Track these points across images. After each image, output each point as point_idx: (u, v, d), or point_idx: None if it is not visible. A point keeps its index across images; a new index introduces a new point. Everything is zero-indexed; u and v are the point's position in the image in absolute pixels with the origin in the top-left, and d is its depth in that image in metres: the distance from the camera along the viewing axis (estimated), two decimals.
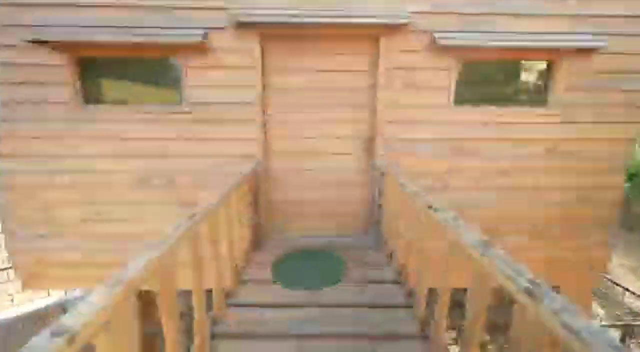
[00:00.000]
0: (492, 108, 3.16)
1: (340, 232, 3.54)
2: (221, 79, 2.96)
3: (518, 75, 3.31)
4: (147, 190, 3.14)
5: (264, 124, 3.19)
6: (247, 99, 3.01)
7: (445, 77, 3.05)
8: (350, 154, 3.40)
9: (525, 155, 3.24)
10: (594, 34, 2.95)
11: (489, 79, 3.26)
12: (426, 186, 3.24)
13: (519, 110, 3.17)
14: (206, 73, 2.94)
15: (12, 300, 4.53)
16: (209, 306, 1.88)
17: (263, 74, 3.09)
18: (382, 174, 3.11)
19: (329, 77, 3.18)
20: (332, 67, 3.15)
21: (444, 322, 1.68)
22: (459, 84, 3.09)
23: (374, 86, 3.16)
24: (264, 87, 3.14)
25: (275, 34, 3.02)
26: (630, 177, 8.11)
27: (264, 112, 3.19)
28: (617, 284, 6.29)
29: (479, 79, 3.24)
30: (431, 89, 3.07)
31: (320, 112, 3.33)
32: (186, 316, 1.69)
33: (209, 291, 1.88)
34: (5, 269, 4.49)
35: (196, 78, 2.95)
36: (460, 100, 3.14)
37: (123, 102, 3.07)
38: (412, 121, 3.13)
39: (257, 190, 3.14)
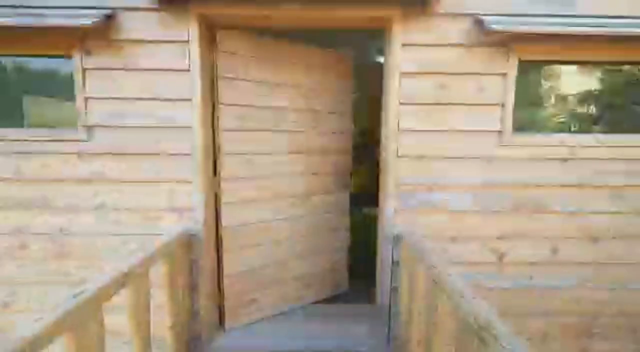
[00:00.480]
0: (579, 137, 1.97)
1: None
2: (137, 89, 1.87)
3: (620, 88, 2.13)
4: (19, 261, 1.98)
5: (210, 159, 2.06)
6: (180, 120, 1.89)
7: (498, 86, 1.90)
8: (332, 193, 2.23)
9: (634, 210, 1.99)
10: None
11: (571, 89, 2.09)
12: (467, 259, 2.00)
13: (622, 140, 1.97)
14: (115, 79, 1.86)
15: None
16: None
17: (213, 79, 2.01)
18: (397, 238, 1.90)
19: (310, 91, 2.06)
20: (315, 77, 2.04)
21: None
22: (520, 97, 1.93)
23: (378, 101, 2.04)
24: (213, 102, 2.06)
25: (228, 20, 1.97)
26: None
27: (214, 141, 2.08)
28: None
29: (555, 91, 2.07)
30: (474, 106, 1.91)
31: (297, 141, 2.20)
32: None
33: None
34: None
35: (99, 87, 1.87)
36: (521, 123, 1.97)
37: None
38: (441, 156, 1.94)
39: (193, 263, 1.95)
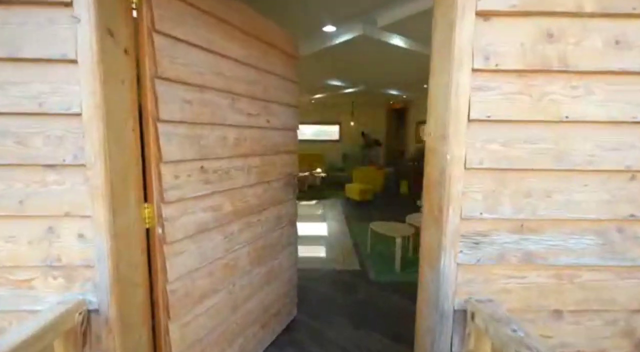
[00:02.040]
0: None
1: None
2: None
3: None
4: None
5: (134, 172, 1.18)
6: (59, 102, 1.01)
7: None
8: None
9: None
10: None
11: None
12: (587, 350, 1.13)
13: None
14: None
15: None
16: None
17: (133, 33, 1.15)
18: (462, 315, 1.04)
19: None
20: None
21: None
22: None
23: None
24: (137, 73, 1.19)
25: None
26: None
27: (143, 141, 1.22)
28: None
29: None
30: (617, 75, 1.03)
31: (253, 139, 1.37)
32: None
33: None
34: None
35: None
36: None
37: None
38: (543, 168, 1.06)
39: None
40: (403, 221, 3.98)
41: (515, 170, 1.05)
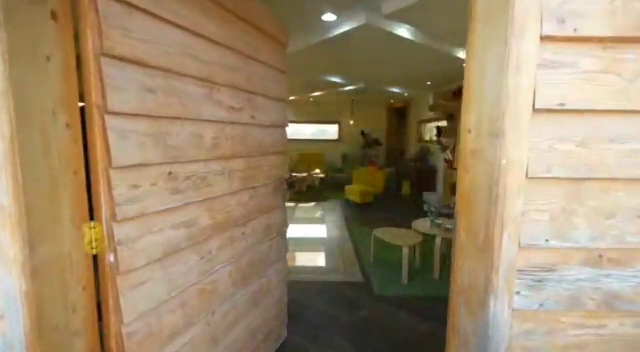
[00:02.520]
0: None
1: None
2: None
3: None
4: None
5: (74, 181, 0.87)
6: None
7: None
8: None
9: None
10: None
11: None
12: None
13: None
14: None
15: None
16: None
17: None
18: None
19: None
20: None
21: None
22: None
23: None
24: (78, 53, 0.88)
25: None
26: None
27: (86, 139, 0.92)
28: None
29: None
30: None
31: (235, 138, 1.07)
32: None
33: None
34: None
35: None
36: None
37: None
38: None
39: None
40: (408, 226, 3.69)
41: (597, 181, 0.75)
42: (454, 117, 5.76)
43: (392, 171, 8.25)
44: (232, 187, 1.45)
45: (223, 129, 1.34)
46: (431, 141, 7.72)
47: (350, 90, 7.08)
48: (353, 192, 6.36)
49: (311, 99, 9.00)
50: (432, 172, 7.43)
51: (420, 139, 8.40)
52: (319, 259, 3.75)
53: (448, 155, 6.04)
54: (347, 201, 6.68)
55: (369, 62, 4.83)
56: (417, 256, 3.39)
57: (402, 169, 8.45)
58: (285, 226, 2.08)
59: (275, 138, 1.85)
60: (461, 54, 4.16)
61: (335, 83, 6.34)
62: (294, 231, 4.71)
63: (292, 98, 8.95)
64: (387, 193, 7.36)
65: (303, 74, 5.63)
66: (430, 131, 7.90)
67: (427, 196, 7.09)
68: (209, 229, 1.34)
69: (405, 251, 2.96)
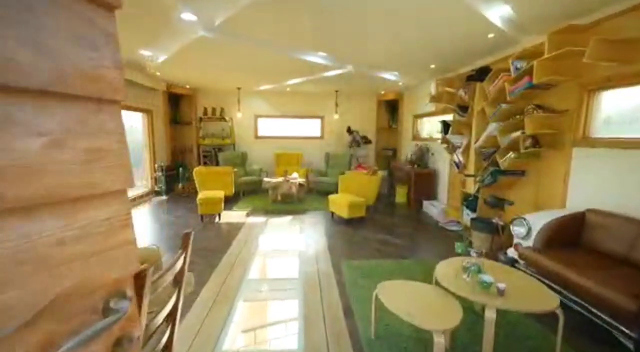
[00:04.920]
0: None
1: None
2: None
3: None
4: None
5: None
6: None
7: None
8: None
9: None
10: None
11: None
12: None
13: None
14: None
15: None
16: None
17: None
18: None
19: None
20: None
21: None
22: None
23: None
24: None
25: None
26: None
27: None
28: None
29: None
30: None
31: None
32: None
33: None
34: None
35: None
36: None
37: None
38: None
39: None
40: (416, 255, 2.38)
41: None
42: (467, 109, 4.51)
43: (384, 174, 6.99)
44: None
45: None
46: (431, 139, 6.49)
47: (334, 75, 5.71)
48: (339, 204, 5.02)
49: (288, 89, 7.58)
50: (432, 176, 6.21)
51: (416, 136, 7.17)
52: (287, 334, 2.38)
53: (458, 157, 4.80)
54: (332, 214, 5.33)
55: (358, 34, 3.47)
56: (456, 341, 2.06)
57: (396, 172, 7.20)
58: None
59: (103, 169, 0.48)
60: (492, 14, 2.84)
61: (317, 65, 4.96)
62: (255, 268, 3.30)
63: (264, 87, 7.48)
64: (378, 200, 6.08)
65: (283, 45, 4.20)
66: (430, 127, 6.68)
67: (429, 207, 5.86)
68: None
69: (439, 340, 1.63)
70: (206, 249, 3.85)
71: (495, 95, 3.79)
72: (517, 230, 2.91)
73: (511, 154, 3.55)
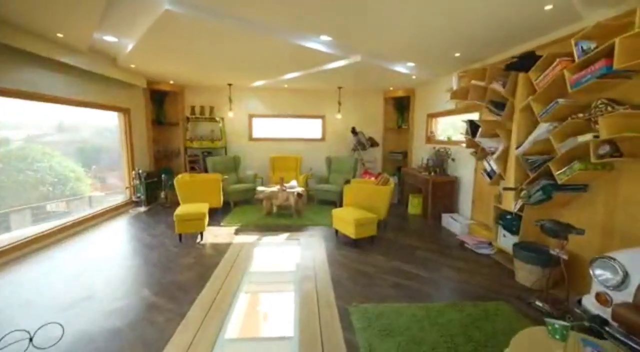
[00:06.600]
0: None
1: None
2: None
3: None
4: None
5: None
6: None
7: None
8: None
9: None
10: None
11: None
12: None
13: None
14: None
15: None
16: None
17: None
18: None
19: None
20: None
21: None
22: None
23: None
24: None
25: None
26: None
27: None
28: None
29: None
30: None
31: None
32: None
33: None
34: None
35: None
36: None
37: None
38: None
39: None
40: (453, 300, 1.52)
41: None
42: (503, 106, 3.65)
43: (394, 181, 6.14)
44: None
45: None
46: (449, 141, 5.63)
47: (338, 67, 4.86)
48: (344, 220, 4.17)
49: (285, 85, 6.73)
50: (453, 185, 5.35)
51: (431, 138, 6.31)
52: None
53: (490, 164, 3.94)
54: (337, 232, 4.48)
55: (372, 9, 2.62)
56: None
57: (408, 179, 6.35)
58: None
59: None
60: None
61: (319, 53, 4.10)
62: (235, 320, 2.37)
63: (258, 83, 6.63)
64: (388, 211, 5.22)
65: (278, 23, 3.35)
66: (448, 128, 5.82)
67: (450, 221, 5.00)
68: None
69: None
70: (177, 285, 3.00)
71: (547, 87, 2.93)
72: (604, 276, 2.05)
73: (575, 164, 2.69)
